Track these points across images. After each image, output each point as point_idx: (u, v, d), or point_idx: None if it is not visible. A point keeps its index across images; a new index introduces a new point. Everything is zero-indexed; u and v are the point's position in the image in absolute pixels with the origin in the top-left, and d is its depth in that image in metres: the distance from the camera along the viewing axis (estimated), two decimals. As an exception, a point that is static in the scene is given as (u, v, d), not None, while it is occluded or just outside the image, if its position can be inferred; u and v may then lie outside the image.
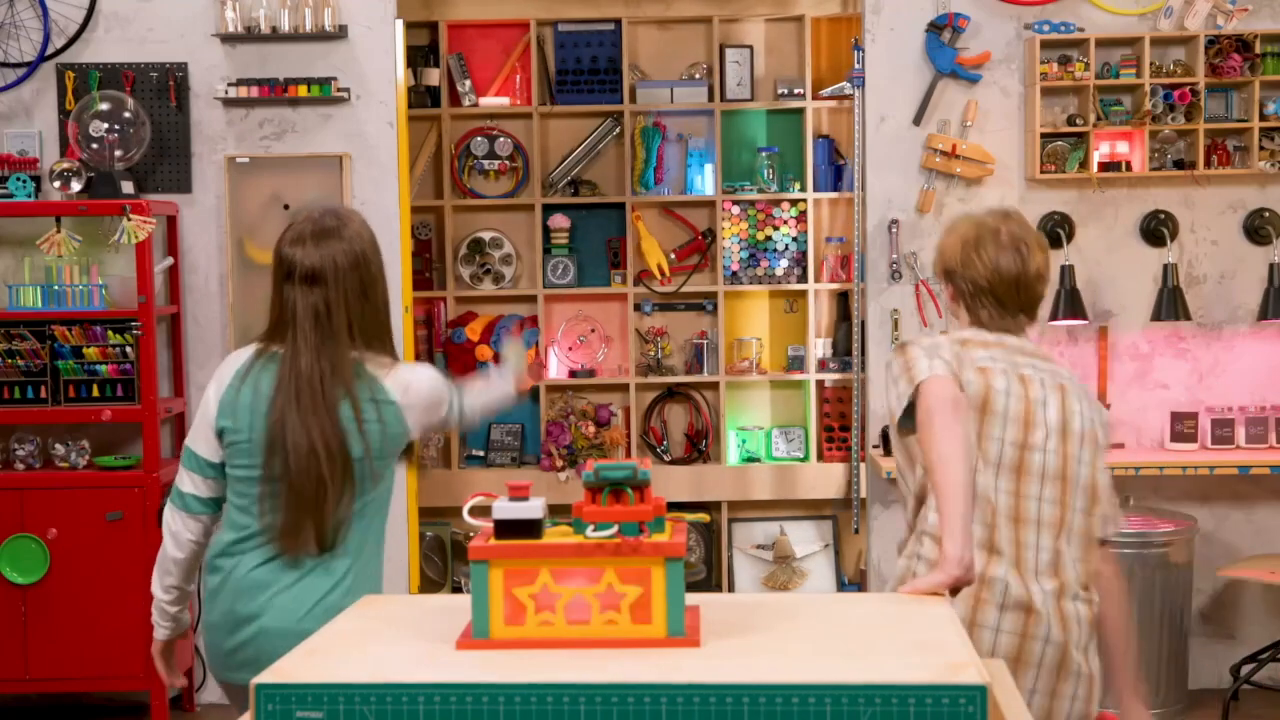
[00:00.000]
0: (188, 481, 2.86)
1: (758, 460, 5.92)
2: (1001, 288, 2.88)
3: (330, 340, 2.78)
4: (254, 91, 5.26)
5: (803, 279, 5.90)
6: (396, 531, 5.03)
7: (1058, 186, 5.39)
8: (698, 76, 5.95)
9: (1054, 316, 5.28)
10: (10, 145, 5.31)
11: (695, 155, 5.96)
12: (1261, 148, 5.29)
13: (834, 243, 5.89)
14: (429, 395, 2.90)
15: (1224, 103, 5.39)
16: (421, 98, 5.86)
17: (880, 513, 5.36)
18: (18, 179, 5.17)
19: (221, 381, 2.84)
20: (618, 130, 5.94)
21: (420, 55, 5.87)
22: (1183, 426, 5.34)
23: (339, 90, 5.26)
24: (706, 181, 5.94)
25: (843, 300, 5.91)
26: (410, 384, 2.86)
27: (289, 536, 2.77)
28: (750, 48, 5.91)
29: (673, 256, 5.95)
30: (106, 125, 5.14)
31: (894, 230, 5.40)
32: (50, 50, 5.30)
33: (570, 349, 5.99)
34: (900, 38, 5.38)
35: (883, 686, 1.68)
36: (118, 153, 5.16)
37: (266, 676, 1.76)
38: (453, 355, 5.87)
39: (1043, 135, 5.29)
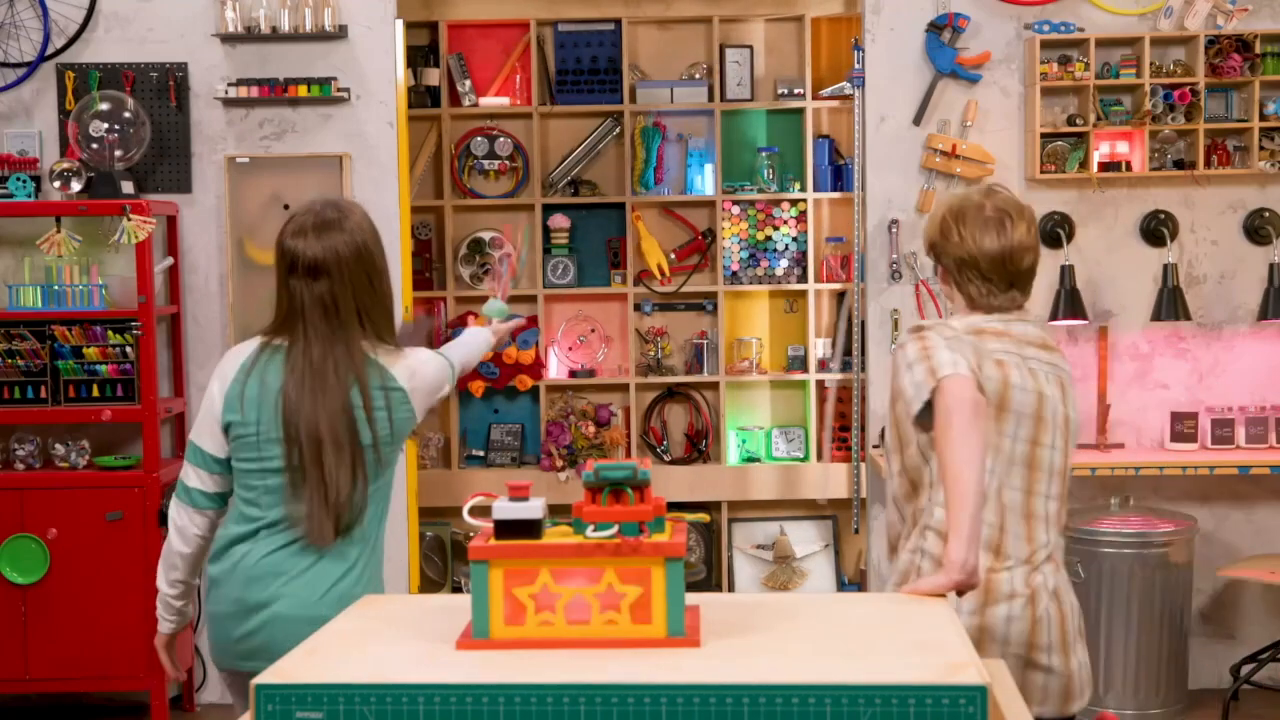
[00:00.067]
0: (193, 476, 2.87)
1: (758, 460, 5.92)
2: (986, 261, 2.83)
3: (341, 331, 2.81)
4: (254, 91, 5.26)
5: (803, 279, 5.90)
6: (396, 531, 5.03)
7: (1058, 186, 5.39)
8: (698, 76, 5.95)
9: (1054, 316, 5.28)
10: (10, 145, 5.31)
11: (695, 155, 5.96)
12: (1261, 148, 5.29)
13: (834, 243, 5.89)
14: (434, 378, 2.97)
15: (1224, 103, 5.39)
16: (421, 98, 5.86)
17: (880, 513, 5.35)
18: (18, 179, 5.17)
19: (226, 376, 2.86)
20: (618, 130, 5.94)
21: (420, 55, 5.87)
22: (1183, 426, 5.34)
23: (339, 90, 5.26)
24: (706, 181, 5.94)
25: (843, 300, 5.91)
26: (416, 369, 2.91)
27: (308, 525, 2.80)
28: (750, 48, 5.91)
29: (673, 256, 5.95)
30: (106, 125, 5.14)
31: (894, 230, 5.40)
32: (50, 50, 5.30)
33: (570, 349, 5.98)
34: (900, 38, 5.38)
35: (883, 686, 1.69)
36: (118, 153, 5.16)
37: (267, 677, 1.76)
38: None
39: (1043, 135, 5.29)
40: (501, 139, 5.90)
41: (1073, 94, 5.37)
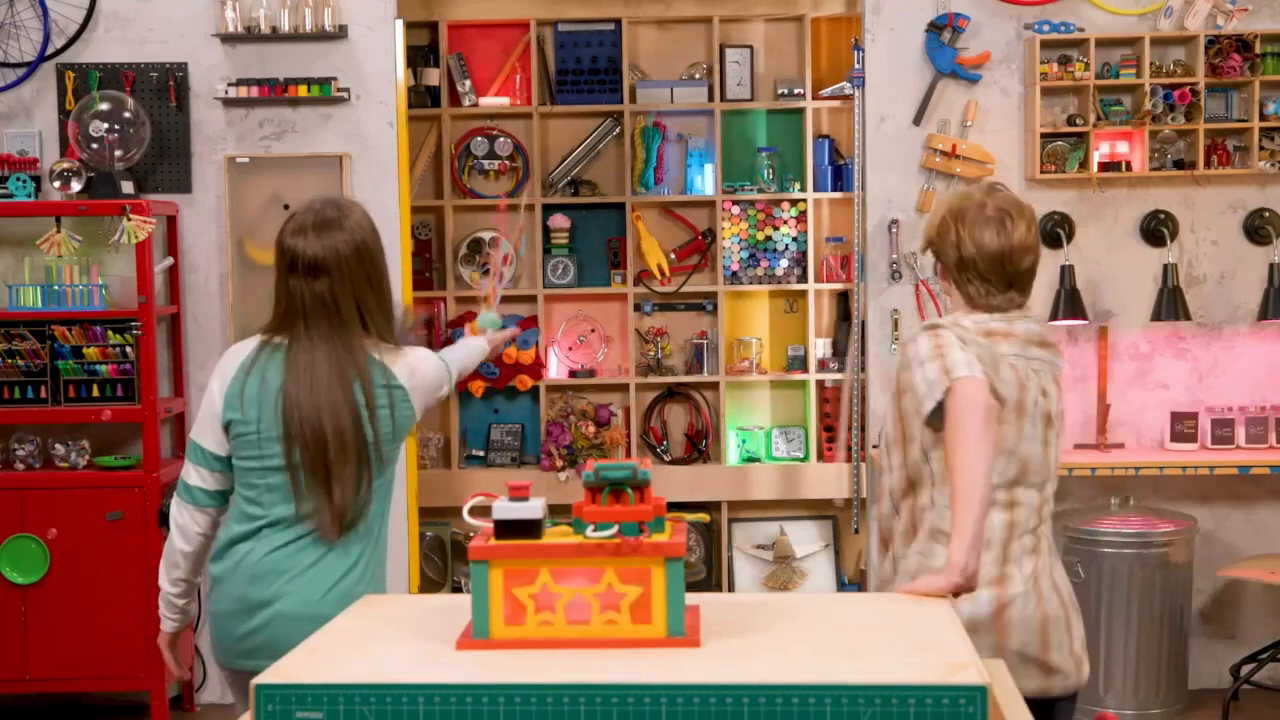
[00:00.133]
0: (194, 475, 2.88)
1: (758, 460, 5.92)
2: (985, 262, 2.82)
3: (342, 329, 2.82)
4: (254, 91, 5.26)
5: (803, 279, 5.90)
6: (396, 531, 5.02)
7: (1058, 186, 5.39)
8: (698, 76, 5.95)
9: (1054, 316, 5.28)
10: (10, 145, 5.31)
11: (695, 155, 5.96)
12: (1261, 148, 5.29)
13: (834, 243, 5.89)
14: (433, 377, 2.98)
15: (1224, 103, 5.39)
16: (421, 98, 5.86)
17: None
18: (18, 179, 5.17)
19: (226, 374, 2.86)
20: (618, 130, 5.94)
21: (420, 55, 5.87)
22: (1183, 426, 5.35)
23: (339, 90, 5.26)
24: (706, 181, 5.93)
25: (843, 300, 5.91)
26: (416, 367, 2.93)
27: (313, 522, 2.80)
28: (750, 48, 5.91)
29: (673, 256, 5.94)
30: (106, 125, 5.14)
31: (894, 230, 5.40)
32: (50, 50, 5.30)
33: (570, 349, 5.98)
34: (900, 38, 5.38)
35: (883, 686, 1.69)
36: (118, 153, 5.16)
37: (267, 676, 1.76)
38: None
39: (1043, 135, 5.29)
40: (501, 139, 5.90)
41: (1073, 94, 5.37)
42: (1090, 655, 4.75)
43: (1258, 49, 5.24)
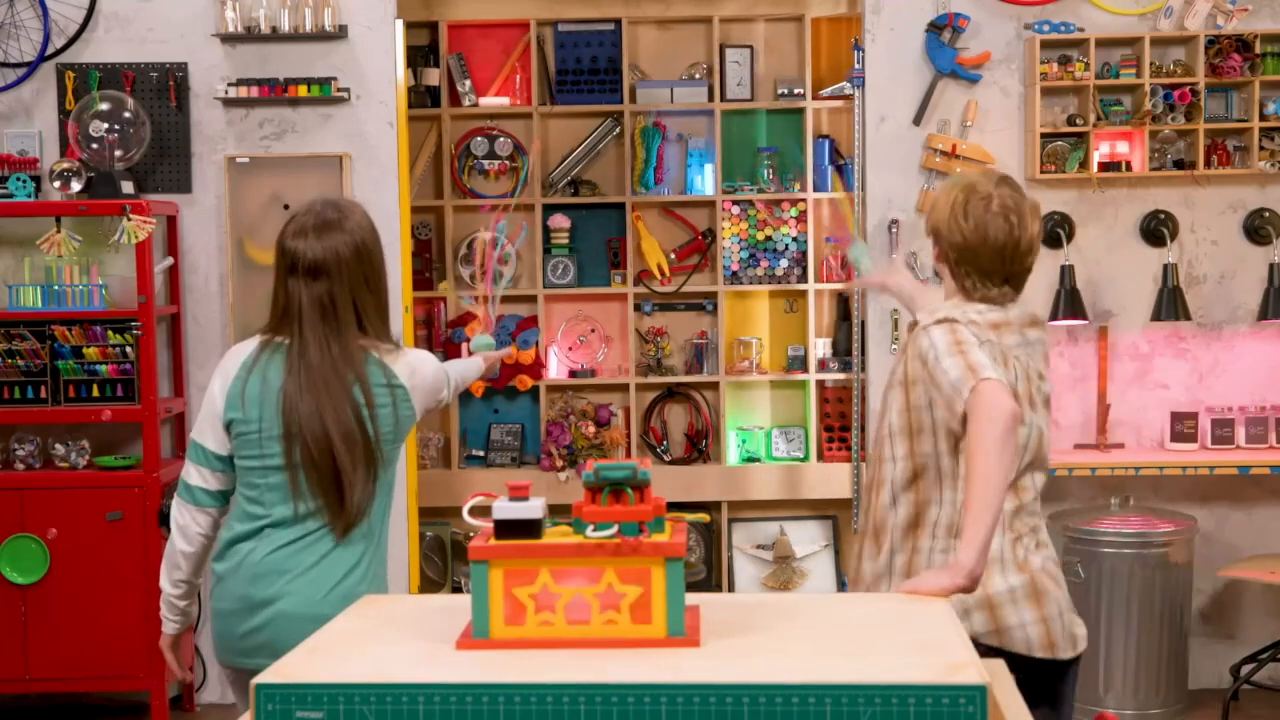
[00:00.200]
0: (195, 475, 2.88)
1: (758, 460, 5.92)
2: (985, 257, 2.81)
3: (338, 330, 2.83)
4: (254, 91, 5.26)
5: (803, 279, 5.90)
6: (397, 531, 5.02)
7: (1058, 186, 5.39)
8: (698, 76, 5.95)
9: (1054, 316, 5.28)
10: (10, 145, 5.31)
11: (695, 155, 5.96)
12: (1261, 148, 5.29)
13: (834, 243, 5.89)
14: (433, 378, 2.99)
15: (1224, 103, 5.39)
16: (421, 98, 5.86)
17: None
18: (18, 179, 5.17)
19: (227, 374, 2.87)
20: (618, 130, 5.93)
21: (420, 55, 5.87)
22: (1183, 426, 5.35)
23: (339, 90, 5.26)
24: (706, 181, 5.93)
25: (843, 300, 5.91)
26: (416, 367, 2.94)
27: (317, 521, 2.81)
28: (750, 48, 5.91)
29: (673, 256, 5.94)
30: (106, 125, 5.14)
31: (894, 230, 5.40)
32: (50, 50, 5.30)
33: (570, 349, 5.98)
34: (900, 38, 5.38)
35: (883, 686, 1.69)
36: (118, 153, 5.16)
37: (267, 676, 1.76)
38: (452, 355, 5.87)
39: (1043, 135, 5.29)
40: (501, 139, 5.90)
41: (1073, 94, 5.37)
42: (1090, 655, 4.77)
43: (1258, 49, 5.24)
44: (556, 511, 1.95)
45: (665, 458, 5.91)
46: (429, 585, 5.81)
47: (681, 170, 5.97)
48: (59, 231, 5.06)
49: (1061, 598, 2.84)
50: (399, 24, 5.33)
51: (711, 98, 5.88)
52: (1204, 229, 5.41)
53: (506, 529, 1.92)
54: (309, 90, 5.24)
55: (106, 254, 5.22)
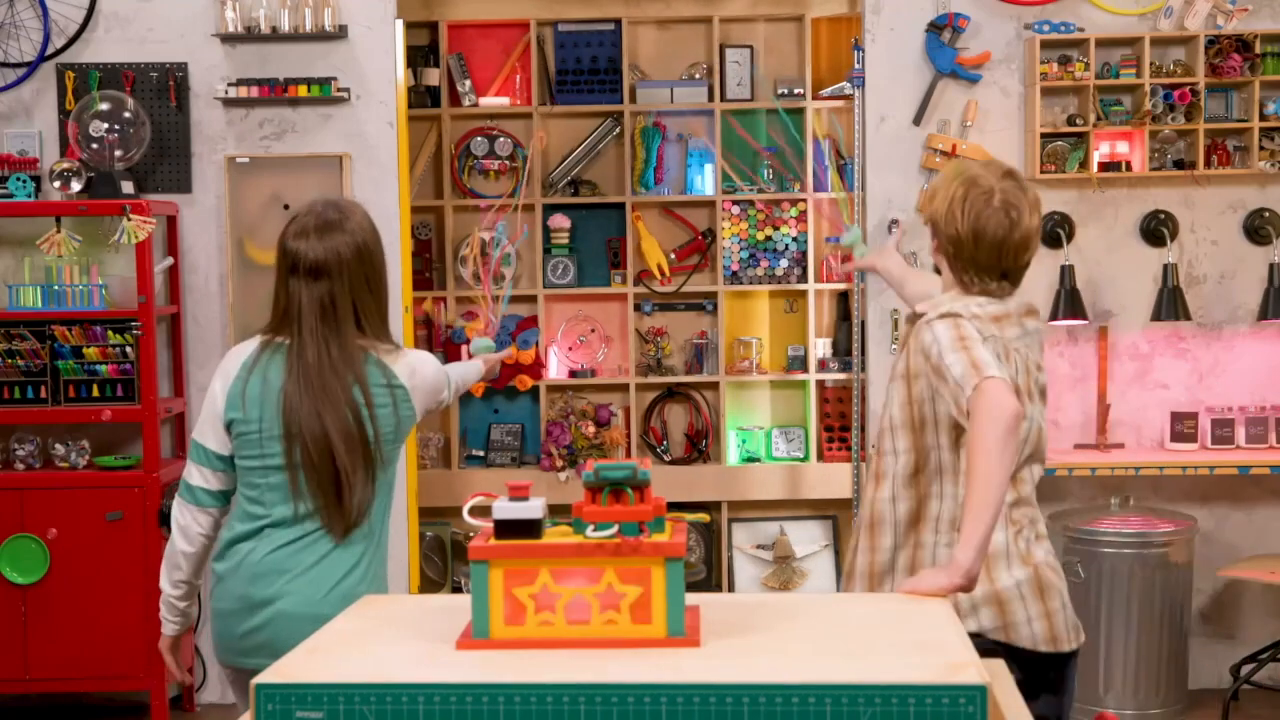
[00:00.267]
0: (196, 475, 2.88)
1: (758, 460, 5.92)
2: (984, 252, 2.79)
3: (337, 331, 2.84)
4: (254, 91, 5.26)
5: (803, 279, 5.90)
6: (397, 531, 5.03)
7: (1058, 186, 5.39)
8: (698, 76, 5.95)
9: (1054, 316, 5.28)
10: (10, 145, 5.31)
11: (695, 155, 5.96)
12: (1261, 148, 5.29)
13: (834, 243, 5.89)
14: (433, 379, 3.00)
15: (1224, 103, 5.39)
16: (421, 98, 5.86)
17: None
18: (18, 179, 5.17)
19: (228, 374, 2.87)
20: (618, 130, 5.93)
21: (420, 55, 5.87)
22: (1183, 426, 5.34)
23: (339, 90, 5.26)
24: (706, 181, 5.93)
25: (843, 300, 5.91)
26: (416, 368, 2.94)
27: (317, 521, 2.82)
28: (750, 48, 5.91)
29: (673, 256, 5.94)
30: (106, 125, 5.14)
31: (894, 231, 5.39)
32: (50, 50, 5.30)
33: (570, 349, 5.98)
34: (900, 38, 5.38)
35: (883, 686, 1.69)
36: (118, 153, 5.16)
37: (267, 676, 1.76)
38: (452, 355, 5.87)
39: (1043, 135, 5.29)
40: (501, 139, 5.89)
41: (1073, 94, 5.37)
42: (1090, 655, 4.78)
43: (1258, 49, 5.24)
44: (556, 511, 1.95)
45: (665, 458, 5.91)
46: (429, 585, 5.81)
47: (681, 170, 5.97)
48: (59, 231, 5.06)
49: (1063, 589, 2.85)
50: (399, 24, 5.33)
51: (711, 98, 5.88)
52: (1204, 229, 5.41)
53: (506, 529, 1.92)
54: (309, 90, 5.24)
55: (106, 254, 5.22)
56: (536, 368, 5.88)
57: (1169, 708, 5.08)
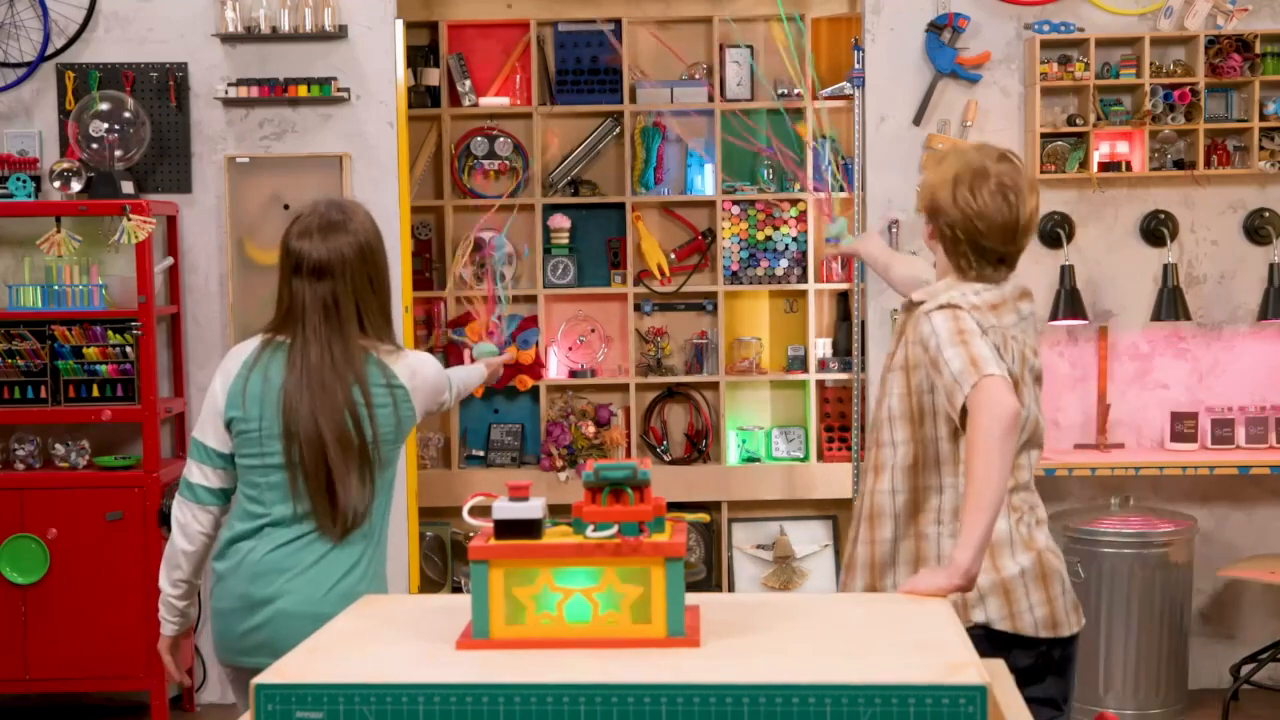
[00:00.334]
0: (196, 473, 2.89)
1: (758, 460, 5.92)
2: (981, 236, 2.76)
3: (339, 331, 2.84)
4: (254, 91, 5.26)
5: (803, 279, 5.90)
6: (396, 531, 5.02)
7: (1058, 186, 5.39)
8: (698, 76, 5.94)
9: (1054, 316, 5.28)
10: (10, 145, 5.31)
11: (695, 155, 5.95)
12: (1261, 148, 5.29)
13: (834, 243, 5.87)
14: (434, 380, 3.00)
15: (1224, 103, 5.39)
16: (421, 98, 5.86)
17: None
18: (18, 179, 5.17)
19: (228, 373, 2.88)
20: (618, 130, 5.93)
21: (420, 55, 5.87)
22: (1183, 426, 5.35)
23: (339, 90, 5.26)
24: (706, 181, 5.93)
25: (843, 300, 5.91)
26: (417, 369, 2.95)
27: (320, 521, 2.81)
28: (750, 48, 5.91)
29: (673, 256, 5.94)
30: (106, 125, 5.14)
31: (894, 230, 5.40)
32: (50, 50, 5.30)
33: (570, 349, 5.98)
34: (900, 38, 5.38)
35: (883, 686, 1.69)
36: (118, 153, 5.16)
37: (267, 676, 1.76)
38: (452, 355, 5.87)
39: (1043, 135, 5.29)
40: (501, 139, 5.89)
41: (1073, 94, 5.37)
42: (1090, 655, 4.77)
43: (1258, 49, 5.24)
44: (556, 511, 1.95)
45: (665, 458, 5.91)
46: (429, 585, 5.81)
47: (681, 170, 5.97)
48: (59, 231, 5.06)
49: (1064, 573, 2.87)
50: (399, 24, 5.33)
51: (711, 98, 5.88)
52: (1204, 229, 5.41)
53: (506, 529, 1.92)
54: (309, 90, 5.24)
55: (106, 254, 5.22)
56: (536, 368, 5.88)
57: (1169, 708, 5.08)
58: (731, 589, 5.84)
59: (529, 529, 1.92)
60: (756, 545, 5.93)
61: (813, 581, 5.88)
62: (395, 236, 5.18)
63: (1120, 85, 5.30)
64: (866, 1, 5.38)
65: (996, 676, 2.06)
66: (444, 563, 5.91)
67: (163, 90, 5.32)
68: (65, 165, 5.16)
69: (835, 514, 5.96)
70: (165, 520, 3.07)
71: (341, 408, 2.80)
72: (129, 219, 4.97)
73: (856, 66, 5.45)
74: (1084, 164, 5.29)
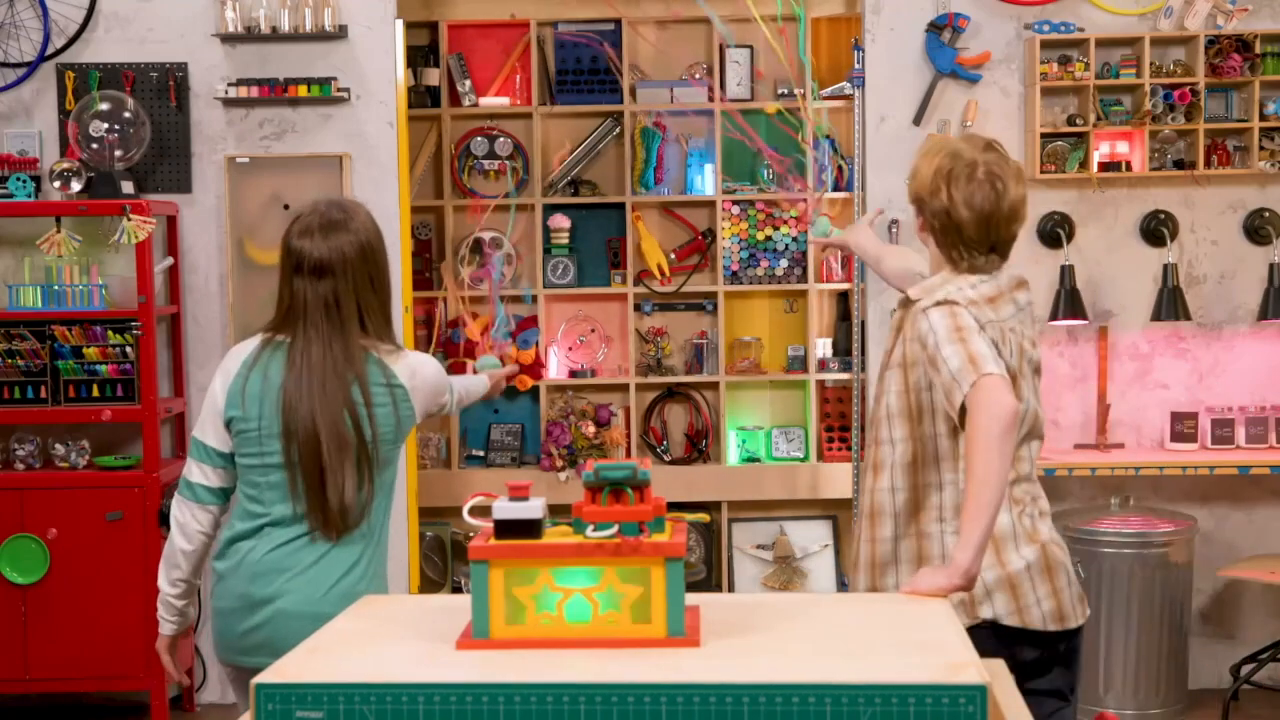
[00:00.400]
0: (196, 472, 2.89)
1: (758, 460, 5.92)
2: (971, 226, 2.76)
3: (340, 330, 2.84)
4: (254, 91, 5.26)
5: (803, 279, 5.89)
6: (397, 531, 5.03)
7: (1058, 186, 5.39)
8: (698, 76, 5.94)
9: (1054, 316, 5.29)
10: (10, 145, 5.31)
11: (695, 155, 5.95)
12: (1261, 148, 5.29)
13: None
14: (434, 381, 2.99)
15: (1224, 103, 5.39)
16: (421, 98, 5.86)
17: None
18: (18, 179, 5.17)
19: (229, 372, 2.88)
20: (618, 130, 5.93)
21: (420, 55, 5.87)
22: (1183, 426, 5.34)
23: (339, 90, 5.26)
24: (706, 181, 5.93)
25: (843, 300, 5.91)
26: (417, 369, 2.94)
27: (314, 521, 2.81)
28: (750, 48, 5.91)
29: (673, 256, 5.94)
30: (106, 125, 5.14)
31: (894, 230, 5.40)
32: (50, 50, 5.30)
33: (570, 349, 5.98)
34: (900, 38, 5.38)
35: (883, 686, 1.69)
36: (118, 153, 5.16)
37: (267, 676, 1.76)
38: (452, 355, 5.87)
39: (1043, 135, 5.29)
40: (501, 139, 5.89)
41: (1073, 94, 5.37)
42: (1090, 655, 4.77)
43: (1258, 49, 5.24)
44: (556, 511, 1.95)
45: (665, 458, 5.91)
46: (429, 585, 5.81)
47: (681, 170, 5.97)
48: (59, 231, 5.06)
49: (1068, 564, 2.86)
50: (399, 24, 5.33)
51: (711, 98, 5.88)
52: (1204, 229, 5.42)
53: (506, 529, 1.92)
54: (309, 90, 5.24)
55: (106, 254, 5.22)
56: (536, 368, 5.88)
57: (1169, 708, 5.08)
58: (731, 589, 5.84)
59: (529, 529, 1.92)
60: (756, 545, 5.93)
61: (813, 581, 5.88)
62: (395, 236, 5.18)
63: (1120, 85, 5.30)
64: (866, 1, 5.38)
65: (996, 676, 2.06)
66: (444, 563, 5.91)
67: (163, 90, 5.32)
68: (65, 165, 5.16)
69: (835, 514, 5.96)
70: (165, 520, 3.08)
71: (341, 407, 2.80)
72: (129, 219, 4.97)
73: (856, 66, 5.45)
74: (1084, 164, 5.29)
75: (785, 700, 1.69)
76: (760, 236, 5.89)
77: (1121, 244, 5.43)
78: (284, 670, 1.79)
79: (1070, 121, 5.33)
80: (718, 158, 5.88)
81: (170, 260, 5.30)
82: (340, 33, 5.27)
